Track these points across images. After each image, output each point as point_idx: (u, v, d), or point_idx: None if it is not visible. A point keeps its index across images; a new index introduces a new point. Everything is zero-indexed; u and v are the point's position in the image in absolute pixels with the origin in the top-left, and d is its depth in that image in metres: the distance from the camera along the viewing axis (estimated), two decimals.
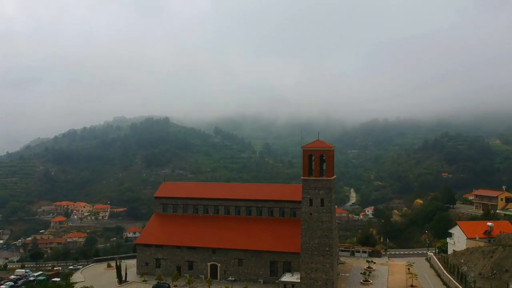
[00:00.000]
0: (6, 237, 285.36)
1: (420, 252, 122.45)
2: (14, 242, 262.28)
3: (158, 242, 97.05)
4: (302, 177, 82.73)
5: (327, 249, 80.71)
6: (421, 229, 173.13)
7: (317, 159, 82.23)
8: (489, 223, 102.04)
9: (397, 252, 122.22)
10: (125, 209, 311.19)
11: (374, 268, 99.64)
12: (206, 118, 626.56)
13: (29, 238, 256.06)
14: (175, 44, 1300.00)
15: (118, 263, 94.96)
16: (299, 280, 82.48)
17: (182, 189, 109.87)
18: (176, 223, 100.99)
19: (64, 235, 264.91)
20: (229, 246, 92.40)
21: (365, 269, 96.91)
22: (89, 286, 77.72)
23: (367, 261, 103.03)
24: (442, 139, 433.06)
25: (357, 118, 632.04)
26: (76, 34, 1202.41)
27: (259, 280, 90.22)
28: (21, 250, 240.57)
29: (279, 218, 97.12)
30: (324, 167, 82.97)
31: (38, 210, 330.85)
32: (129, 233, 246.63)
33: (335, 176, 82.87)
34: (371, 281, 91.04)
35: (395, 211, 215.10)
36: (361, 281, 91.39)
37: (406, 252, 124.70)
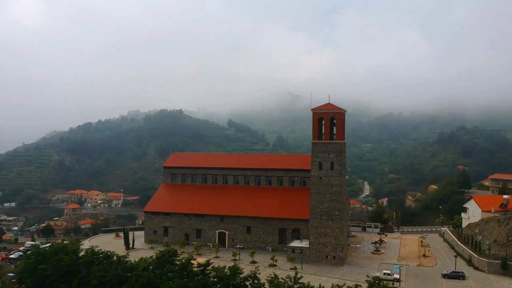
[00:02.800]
0: (20, 223, 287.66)
1: (433, 229, 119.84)
2: (28, 228, 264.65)
3: (166, 210, 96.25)
4: (311, 141, 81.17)
5: (336, 213, 79.12)
6: (435, 213, 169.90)
7: (327, 122, 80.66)
8: (505, 196, 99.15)
9: (409, 230, 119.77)
10: (138, 197, 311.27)
11: (385, 240, 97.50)
12: (219, 112, 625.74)
13: (43, 225, 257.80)
14: (187, 43, 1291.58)
15: (126, 230, 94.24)
16: (308, 246, 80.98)
17: (191, 159, 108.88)
18: (184, 192, 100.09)
19: (78, 221, 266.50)
20: (238, 213, 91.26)
21: (376, 240, 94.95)
22: (93, 245, 76.98)
23: (379, 234, 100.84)
24: (458, 132, 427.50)
25: (372, 112, 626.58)
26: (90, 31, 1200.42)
27: (268, 247, 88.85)
28: (35, 236, 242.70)
29: (289, 187, 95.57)
30: (334, 131, 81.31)
31: (52, 198, 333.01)
32: (141, 221, 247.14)
33: (345, 141, 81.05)
34: (382, 251, 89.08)
35: (409, 197, 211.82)
36: (372, 250, 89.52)
37: (419, 230, 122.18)
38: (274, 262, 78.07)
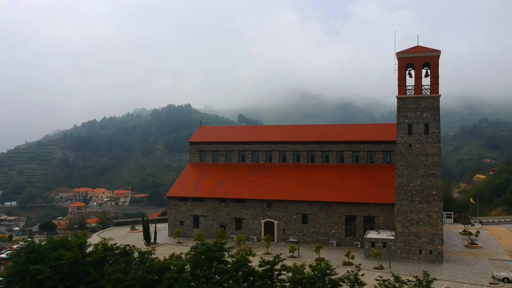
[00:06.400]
0: (22, 224, 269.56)
1: (508, 220, 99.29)
2: (30, 228, 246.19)
3: (196, 194, 75.61)
4: (396, 95, 60.56)
5: (433, 192, 58.56)
6: (489, 205, 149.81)
7: (419, 69, 59.95)
8: None
9: (484, 220, 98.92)
10: (146, 195, 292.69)
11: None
12: (226, 110, 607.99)
13: None
14: (189, 41, 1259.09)
15: (145, 221, 73.84)
16: (392, 237, 60.34)
17: (224, 133, 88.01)
18: (217, 173, 79.49)
19: (84, 219, 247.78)
20: (290, 197, 70.58)
21: (466, 231, 74.39)
22: (107, 238, 56.71)
23: (463, 224, 79.97)
24: (481, 124, 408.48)
25: (384, 108, 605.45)
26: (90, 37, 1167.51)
27: (331, 241, 68.13)
28: (37, 235, 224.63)
29: (352, 165, 74.78)
30: (423, 82, 60.76)
31: (55, 197, 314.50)
32: (154, 218, 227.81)
33: (440, 94, 60.29)
34: (480, 244, 68.35)
35: (454, 188, 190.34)
36: (466, 243, 68.90)
37: (496, 220, 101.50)
38: (350, 260, 57.40)
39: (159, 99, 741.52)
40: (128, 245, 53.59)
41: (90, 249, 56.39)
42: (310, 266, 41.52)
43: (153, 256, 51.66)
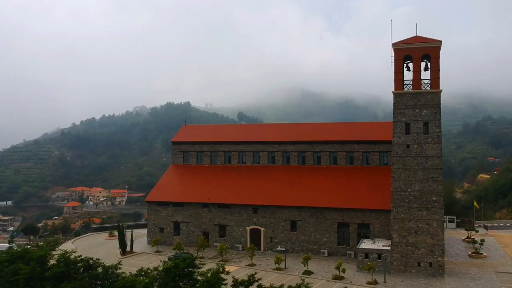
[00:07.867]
0: (17, 223, 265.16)
1: None
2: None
3: (177, 199, 69.90)
4: (393, 91, 54.76)
5: (433, 198, 52.75)
6: (493, 206, 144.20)
7: (417, 61, 54.09)
8: None
9: (488, 224, 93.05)
10: (143, 194, 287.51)
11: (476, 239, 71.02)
12: (227, 108, 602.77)
13: (40, 224, 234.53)
14: (190, 39, 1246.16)
15: (121, 227, 68.16)
16: (388, 248, 54.64)
17: (209, 132, 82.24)
18: (201, 176, 73.81)
19: (78, 220, 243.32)
20: (277, 202, 64.84)
21: (469, 238, 68.71)
22: (70, 250, 50.99)
23: (467, 230, 74.22)
24: (485, 122, 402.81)
25: (385, 105, 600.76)
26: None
27: (322, 250, 62.44)
28: (31, 237, 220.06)
29: (346, 167, 69.06)
30: (422, 76, 54.91)
31: (52, 196, 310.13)
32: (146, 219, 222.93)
33: (442, 89, 54.40)
34: (485, 254, 62.57)
35: (456, 188, 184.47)
36: (470, 252, 63.10)
37: (501, 224, 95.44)
38: (341, 273, 51.73)
39: (160, 97, 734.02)
40: (92, 258, 48.01)
41: (53, 261, 50.87)
42: (289, 287, 35.97)
43: (120, 270, 46.20)
